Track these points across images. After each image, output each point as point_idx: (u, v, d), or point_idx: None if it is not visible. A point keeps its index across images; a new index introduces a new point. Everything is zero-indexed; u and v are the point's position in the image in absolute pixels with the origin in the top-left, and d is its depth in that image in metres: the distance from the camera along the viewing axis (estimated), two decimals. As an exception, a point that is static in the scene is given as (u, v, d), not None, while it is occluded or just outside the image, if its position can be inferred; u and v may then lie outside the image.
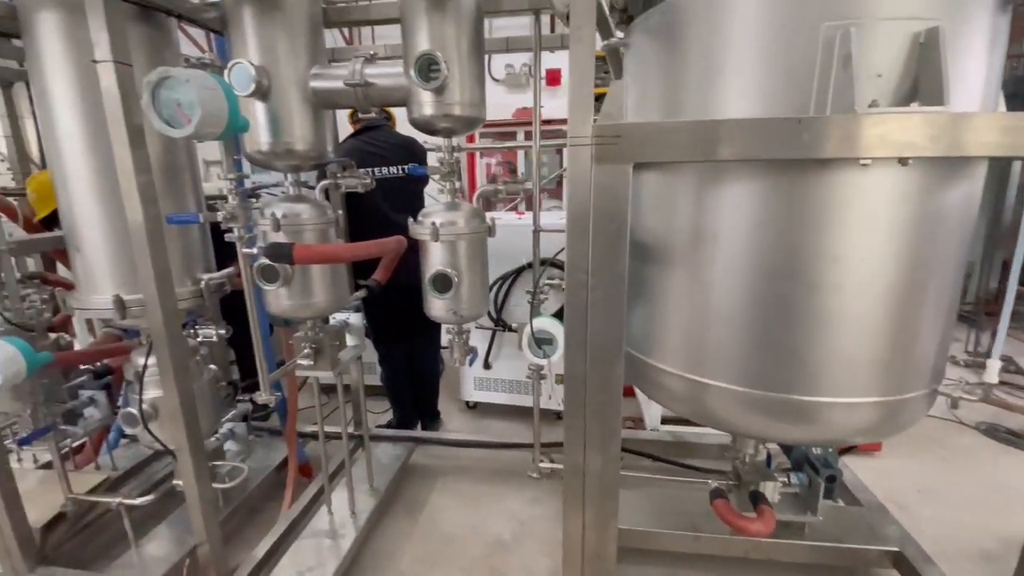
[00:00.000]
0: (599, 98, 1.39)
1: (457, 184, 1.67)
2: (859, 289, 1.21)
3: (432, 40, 1.46)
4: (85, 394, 2.23)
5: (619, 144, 1.14)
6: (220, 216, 1.43)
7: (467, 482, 2.55)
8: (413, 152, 2.61)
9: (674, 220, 1.38)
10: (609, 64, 1.82)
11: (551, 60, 1.75)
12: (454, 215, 1.61)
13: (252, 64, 1.47)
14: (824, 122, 1.06)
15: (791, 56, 1.18)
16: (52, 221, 2.40)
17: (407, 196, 2.52)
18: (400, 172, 2.58)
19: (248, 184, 1.63)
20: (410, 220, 1.68)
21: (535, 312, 1.80)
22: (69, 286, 2.02)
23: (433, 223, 1.55)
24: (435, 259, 1.61)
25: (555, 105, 6.01)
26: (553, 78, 4.85)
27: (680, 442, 2.49)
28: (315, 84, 1.57)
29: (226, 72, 1.43)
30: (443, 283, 1.59)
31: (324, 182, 1.73)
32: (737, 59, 1.24)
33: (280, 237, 1.60)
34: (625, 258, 1.20)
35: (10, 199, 2.55)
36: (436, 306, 1.65)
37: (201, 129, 1.17)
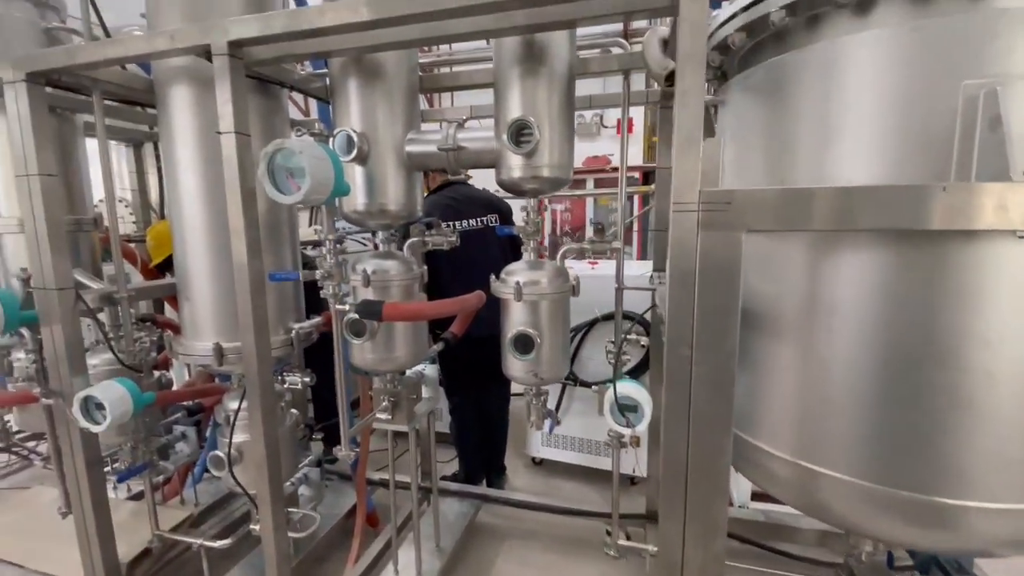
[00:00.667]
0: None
1: (542, 242, 1.65)
2: (1017, 378, 1.04)
3: (524, 104, 1.49)
4: (178, 429, 2.35)
5: (730, 211, 1.07)
6: (318, 275, 1.48)
7: (536, 549, 2.41)
8: (492, 205, 2.68)
9: (784, 286, 1.27)
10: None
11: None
12: (537, 274, 1.58)
13: (354, 131, 1.56)
14: (974, 190, 0.94)
15: (924, 117, 1.08)
16: (165, 267, 2.64)
17: (487, 246, 2.56)
18: (480, 224, 2.63)
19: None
20: (492, 277, 1.68)
21: (617, 374, 1.71)
22: (175, 328, 2.18)
23: (517, 283, 1.53)
24: (516, 319, 1.58)
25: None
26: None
27: (773, 524, 2.23)
28: (410, 148, 1.64)
29: (331, 140, 1.51)
30: (524, 344, 1.55)
31: (412, 240, 1.77)
32: (858, 121, 1.16)
33: (369, 292, 1.64)
34: (736, 335, 1.10)
35: (131, 245, 2.84)
36: (515, 367, 1.61)
37: (309, 196, 1.23)
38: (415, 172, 1.72)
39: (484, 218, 2.67)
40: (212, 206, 1.67)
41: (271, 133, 1.80)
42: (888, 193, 0.99)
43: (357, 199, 1.64)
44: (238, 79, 1.40)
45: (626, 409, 1.65)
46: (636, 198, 5.59)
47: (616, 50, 1.77)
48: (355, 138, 1.54)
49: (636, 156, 6.07)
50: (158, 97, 1.75)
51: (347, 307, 1.51)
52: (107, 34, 2.21)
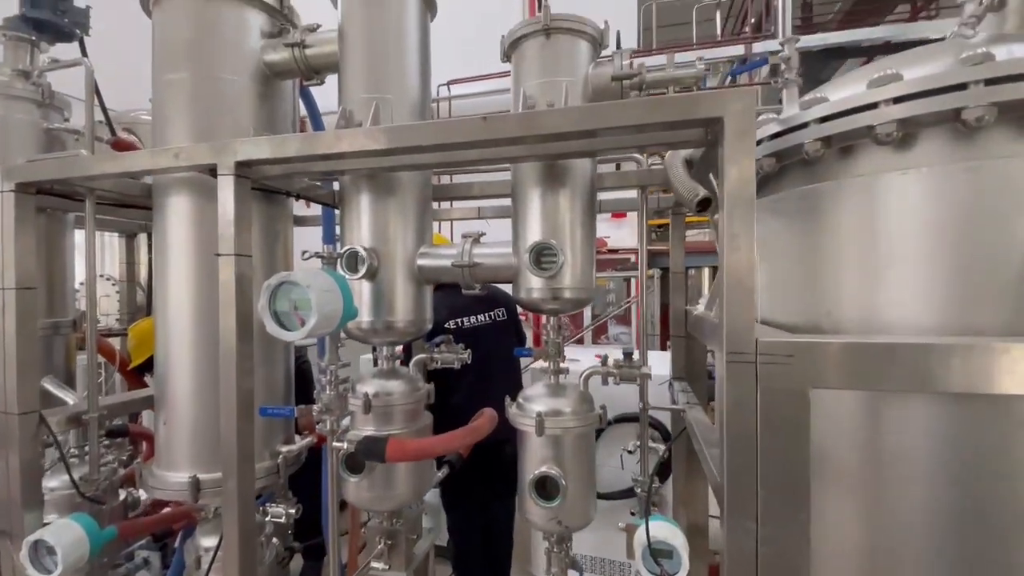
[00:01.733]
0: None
1: (562, 365, 1.52)
2: None
3: (545, 225, 1.41)
4: (141, 555, 2.06)
5: (793, 364, 0.94)
6: (315, 409, 1.32)
7: None
8: (498, 299, 2.57)
9: (841, 429, 1.12)
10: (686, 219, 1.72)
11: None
12: (560, 402, 1.43)
13: (363, 248, 1.46)
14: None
15: (984, 260, 1.00)
16: (145, 368, 2.45)
17: (496, 343, 2.41)
18: (488, 320, 2.51)
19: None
20: (507, 401, 1.52)
21: (647, 510, 1.51)
22: (150, 439, 1.96)
23: (538, 414, 1.37)
24: (537, 455, 1.41)
25: (620, 235, 6.15)
26: (619, 214, 4.95)
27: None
28: (422, 262, 1.54)
29: (339, 263, 1.41)
30: (548, 488, 1.36)
31: (419, 356, 1.63)
32: (910, 259, 1.08)
33: (370, 420, 1.47)
34: (809, 506, 0.94)
35: (111, 340, 2.66)
36: (536, 514, 1.41)
37: (315, 332, 1.10)
38: (425, 285, 1.60)
39: (490, 313, 2.55)
40: (203, 324, 1.53)
41: (272, 240, 1.71)
42: (974, 352, 0.88)
43: (362, 316, 1.51)
44: (243, 198, 1.31)
45: (660, 555, 1.44)
46: (634, 281, 5.55)
47: (631, 165, 1.74)
48: (364, 255, 1.44)
49: (630, 238, 6.11)
50: (155, 203, 1.66)
51: (345, 445, 1.33)
52: (111, 131, 2.18)
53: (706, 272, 6.82)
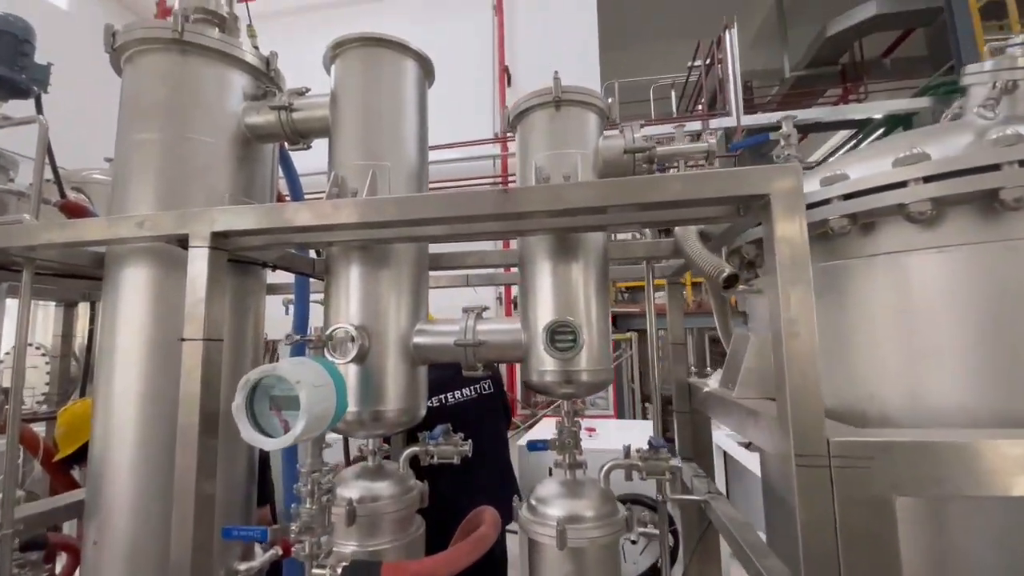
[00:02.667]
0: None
1: (579, 457, 1.35)
2: None
3: (558, 294, 1.29)
4: None
5: (874, 467, 0.83)
6: (293, 528, 1.08)
7: None
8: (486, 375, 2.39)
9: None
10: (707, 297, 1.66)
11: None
12: (581, 504, 1.25)
13: (353, 326, 1.29)
14: None
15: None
16: (75, 459, 2.09)
17: (480, 422, 2.20)
18: (473, 393, 2.31)
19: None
20: (515, 502, 1.32)
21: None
22: (75, 552, 1.61)
23: (558, 521, 1.18)
24: (557, 572, 1.20)
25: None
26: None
27: None
28: (419, 340, 1.38)
29: (327, 349, 1.22)
30: (576, 615, 1.15)
31: (411, 449, 1.42)
32: (953, 338, 1.03)
33: (353, 534, 1.23)
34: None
35: (36, 429, 2.28)
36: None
37: (302, 438, 0.90)
38: (420, 367, 1.43)
39: (475, 386, 2.36)
40: (155, 417, 1.28)
41: (242, 317, 1.50)
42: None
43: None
44: (218, 273, 1.13)
45: None
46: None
47: (633, 235, 1.69)
48: (355, 334, 1.27)
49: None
50: (107, 273, 1.45)
51: (327, 571, 1.09)
52: (61, 193, 1.98)
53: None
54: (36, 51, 2.16)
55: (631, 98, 8.15)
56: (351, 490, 1.30)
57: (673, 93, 7.81)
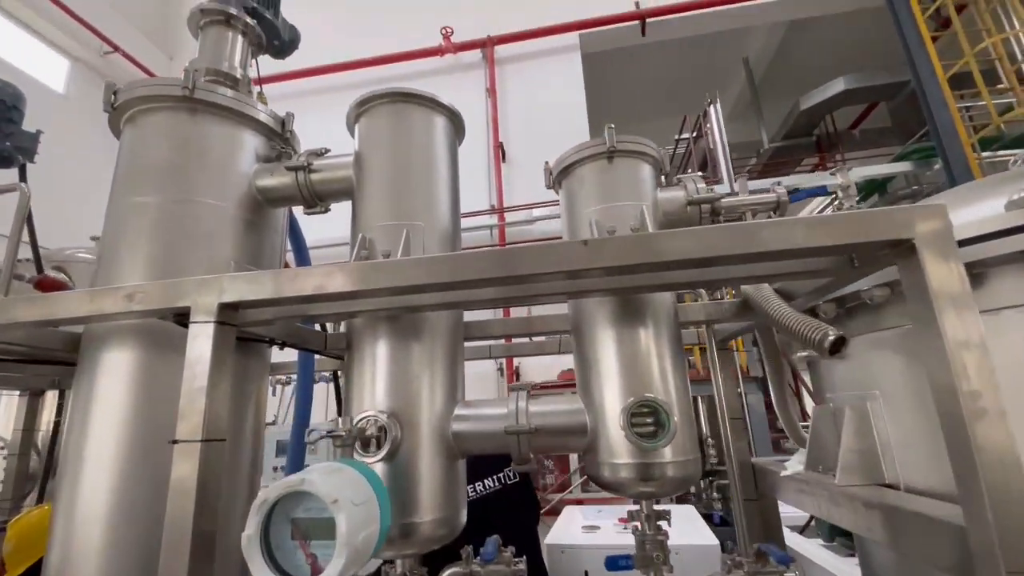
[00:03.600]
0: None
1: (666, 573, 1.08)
2: None
3: (627, 364, 1.09)
4: None
5: None
6: None
7: None
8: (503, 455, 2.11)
9: None
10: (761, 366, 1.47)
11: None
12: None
13: (382, 414, 1.06)
14: None
15: None
16: (26, 580, 1.71)
17: (506, 515, 1.89)
18: (496, 484, 2.01)
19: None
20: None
21: None
22: None
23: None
24: None
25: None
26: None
27: None
28: (460, 428, 1.14)
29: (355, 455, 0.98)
30: None
31: (453, 570, 1.14)
32: None
33: None
34: None
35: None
36: None
37: (338, 580, 0.65)
38: (460, 460, 1.18)
39: (499, 475, 2.07)
40: (131, 536, 1.01)
41: (242, 406, 1.26)
42: None
43: (374, 514, 1.04)
44: (222, 354, 0.92)
45: None
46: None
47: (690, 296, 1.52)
48: (387, 424, 1.03)
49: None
50: (82, 356, 1.22)
51: None
52: (39, 268, 1.78)
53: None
54: (25, 119, 2.04)
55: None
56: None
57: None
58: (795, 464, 1.47)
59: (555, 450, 1.18)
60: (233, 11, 1.61)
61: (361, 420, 1.03)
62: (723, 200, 1.21)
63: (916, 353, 1.13)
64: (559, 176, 1.32)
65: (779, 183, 1.30)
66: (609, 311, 1.14)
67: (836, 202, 1.42)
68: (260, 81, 1.85)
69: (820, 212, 9.20)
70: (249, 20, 1.65)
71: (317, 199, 1.43)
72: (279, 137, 1.52)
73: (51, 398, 2.39)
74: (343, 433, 0.91)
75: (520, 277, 0.87)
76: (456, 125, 1.46)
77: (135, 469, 1.07)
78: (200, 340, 0.89)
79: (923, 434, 1.12)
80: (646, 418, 1.02)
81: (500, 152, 6.67)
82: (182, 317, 0.96)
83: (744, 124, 10.16)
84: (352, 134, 1.46)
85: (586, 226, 1.22)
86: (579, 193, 1.26)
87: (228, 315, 0.93)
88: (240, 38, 1.64)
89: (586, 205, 1.24)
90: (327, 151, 1.46)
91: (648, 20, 7.09)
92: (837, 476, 1.21)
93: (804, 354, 1.46)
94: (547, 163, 1.36)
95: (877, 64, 8.19)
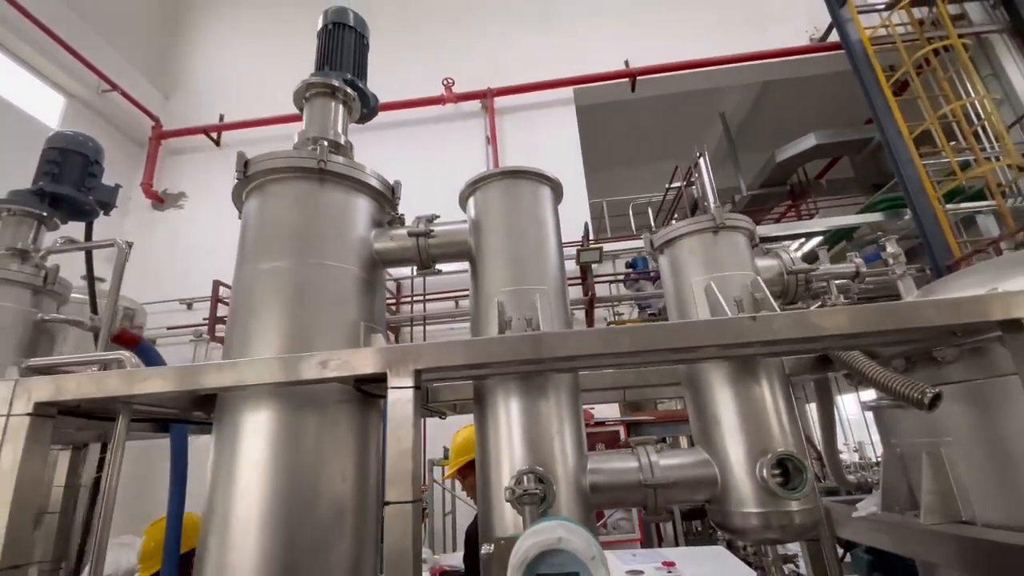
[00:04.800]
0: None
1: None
2: None
3: (748, 418, 1.21)
4: None
5: None
6: None
7: None
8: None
9: None
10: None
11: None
12: None
13: (537, 469, 1.14)
14: None
15: None
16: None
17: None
18: None
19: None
20: None
21: None
22: None
23: None
24: None
25: (603, 408, 6.00)
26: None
27: None
28: (596, 480, 1.23)
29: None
30: None
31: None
32: None
33: None
34: None
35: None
36: None
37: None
38: (594, 512, 1.26)
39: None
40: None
41: (367, 458, 1.31)
42: None
43: None
44: (416, 417, 0.99)
45: None
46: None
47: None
48: (547, 479, 1.11)
49: (611, 409, 6.00)
50: (220, 415, 1.27)
51: None
52: (94, 308, 1.82)
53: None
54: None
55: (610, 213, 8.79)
56: None
57: (649, 210, 8.52)
58: (868, 506, 1.60)
59: (683, 501, 1.27)
60: (336, 83, 1.74)
61: (523, 476, 1.11)
62: (815, 272, 1.38)
63: (986, 405, 1.30)
64: (663, 246, 1.47)
65: (855, 255, 1.47)
66: (728, 370, 1.27)
67: (888, 267, 1.61)
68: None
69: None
70: (350, 91, 1.78)
71: (431, 261, 1.54)
72: (389, 202, 1.63)
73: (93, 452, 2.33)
74: (537, 490, 1.00)
75: (687, 349, 1.00)
76: (557, 193, 1.60)
77: (280, 525, 1.11)
78: (400, 404, 0.97)
79: (993, 476, 1.28)
80: (775, 469, 1.14)
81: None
82: (360, 383, 1.04)
83: (722, 171, 10.84)
84: (464, 208, 1.58)
85: (691, 291, 1.37)
86: (686, 263, 1.41)
87: (418, 380, 1.01)
88: (341, 107, 1.77)
89: (693, 274, 1.39)
90: (437, 217, 1.58)
91: (638, 78, 7.62)
92: (922, 516, 1.35)
93: (875, 403, 1.62)
94: (648, 234, 1.51)
95: (844, 121, 8.98)
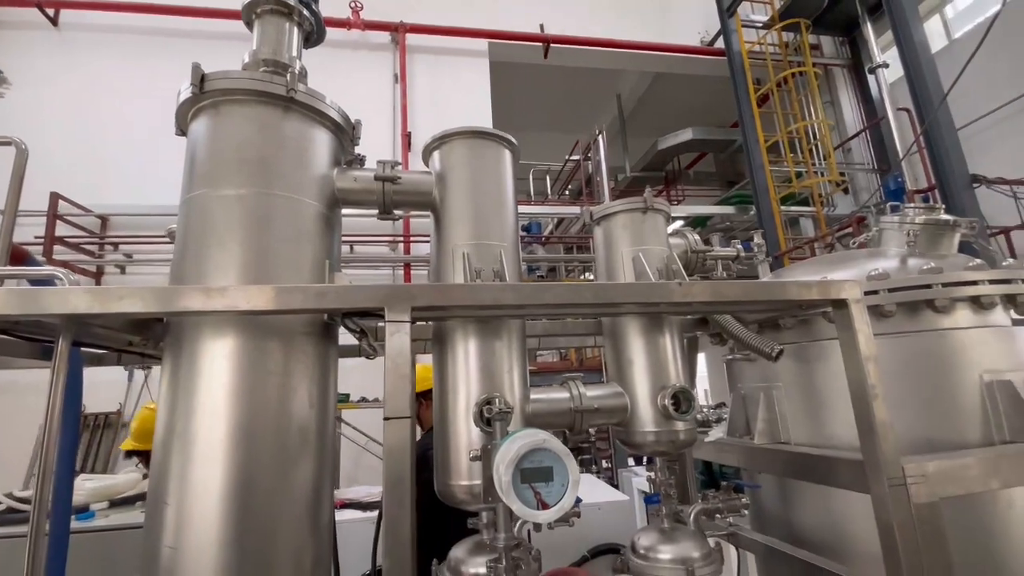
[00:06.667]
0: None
1: (677, 508, 1.57)
2: None
3: (655, 362, 1.55)
4: None
5: (926, 481, 1.26)
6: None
7: None
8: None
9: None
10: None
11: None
12: (688, 547, 1.46)
13: (497, 395, 1.35)
14: None
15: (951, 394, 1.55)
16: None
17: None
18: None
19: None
20: (629, 553, 1.48)
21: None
22: None
23: (685, 562, 1.38)
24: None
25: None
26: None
27: None
28: (536, 408, 1.48)
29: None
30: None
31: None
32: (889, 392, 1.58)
33: None
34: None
35: None
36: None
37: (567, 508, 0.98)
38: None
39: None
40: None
41: (325, 389, 1.40)
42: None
43: (474, 479, 1.32)
44: (411, 347, 1.12)
45: None
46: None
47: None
48: (506, 404, 1.32)
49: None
50: (176, 342, 1.26)
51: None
52: None
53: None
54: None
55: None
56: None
57: (547, 178, 8.94)
58: (717, 433, 2.12)
59: (601, 424, 1.57)
60: (292, 2, 1.65)
61: (492, 400, 1.31)
62: (710, 252, 1.75)
63: (807, 361, 1.81)
64: (599, 220, 1.73)
65: (738, 243, 1.88)
66: (641, 323, 1.59)
67: (753, 255, 2.08)
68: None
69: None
70: (305, 12, 1.70)
71: (392, 207, 1.60)
72: (349, 139, 1.63)
73: None
74: (509, 409, 1.21)
75: (616, 304, 1.26)
76: (516, 158, 1.75)
77: (249, 444, 1.18)
78: (398, 336, 1.09)
79: (805, 411, 1.80)
80: (688, 403, 1.50)
81: (407, 141, 6.72)
82: (347, 316, 1.13)
83: (612, 149, 11.69)
84: (426, 162, 1.66)
85: (620, 260, 1.66)
86: (615, 235, 1.69)
87: (415, 315, 1.14)
88: (296, 30, 1.69)
89: (621, 246, 1.67)
90: (399, 164, 1.64)
91: (551, 45, 7.80)
92: (755, 438, 1.85)
93: (730, 357, 2.11)
94: (588, 208, 1.75)
95: (717, 121, 10.23)
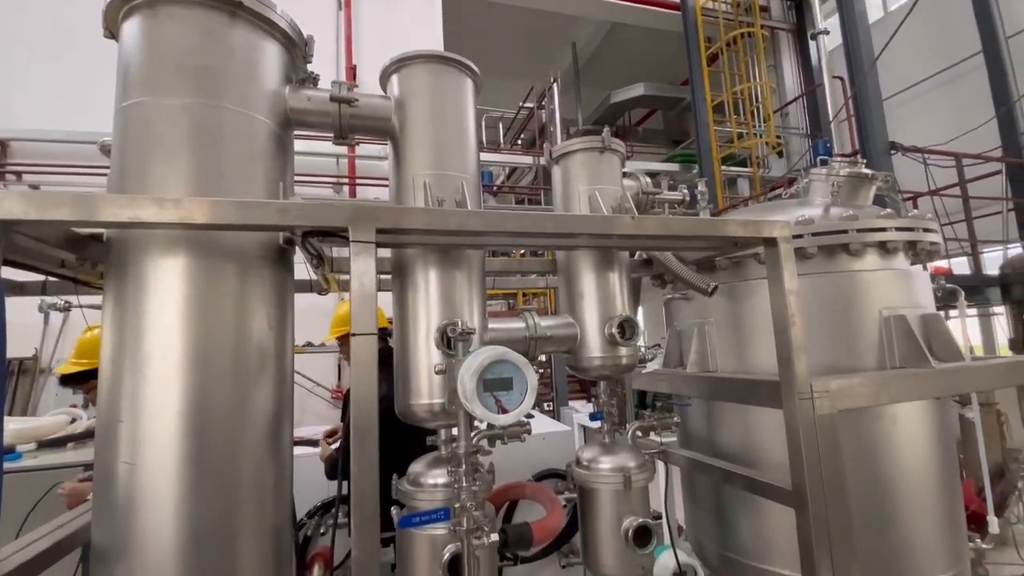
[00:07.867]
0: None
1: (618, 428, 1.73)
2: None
3: (604, 295, 1.66)
4: None
5: (828, 396, 1.46)
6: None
7: None
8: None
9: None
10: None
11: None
12: (625, 457, 1.63)
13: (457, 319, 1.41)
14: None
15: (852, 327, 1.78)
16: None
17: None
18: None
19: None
20: (576, 461, 1.64)
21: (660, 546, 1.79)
22: None
23: (623, 469, 1.55)
24: (621, 509, 1.56)
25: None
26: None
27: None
28: (494, 336, 1.55)
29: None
30: (646, 536, 1.52)
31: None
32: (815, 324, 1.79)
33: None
34: (845, 487, 1.45)
35: None
36: (627, 561, 1.53)
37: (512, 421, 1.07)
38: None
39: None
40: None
41: (284, 315, 1.40)
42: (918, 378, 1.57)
43: (435, 398, 1.39)
44: (374, 267, 1.14)
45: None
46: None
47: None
48: (469, 328, 1.38)
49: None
50: (115, 262, 1.20)
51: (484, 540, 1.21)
52: None
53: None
54: None
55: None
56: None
57: (500, 125, 8.76)
58: (653, 365, 2.31)
59: (553, 351, 1.67)
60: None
61: (446, 325, 1.36)
62: (659, 195, 1.85)
63: (737, 299, 1.99)
64: (558, 158, 1.77)
65: (684, 188, 1.99)
66: (593, 260, 1.68)
67: (698, 203, 2.20)
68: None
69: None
70: (248, -88, 1.55)
71: (348, 131, 1.55)
72: (301, 56, 1.54)
73: None
74: (471, 331, 1.26)
75: (574, 235, 1.33)
76: (478, 89, 1.72)
77: (207, 364, 1.17)
78: (363, 257, 1.10)
79: (731, 343, 2.00)
80: (632, 331, 1.62)
81: (353, 76, 6.30)
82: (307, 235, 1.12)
83: (565, 99, 11.57)
84: (383, 84, 1.60)
85: (577, 197, 1.72)
86: (573, 173, 1.74)
87: (379, 239, 1.15)
88: (238, -69, 1.54)
89: (578, 184, 1.72)
90: (356, 85, 1.58)
91: (507, -20, 7.44)
92: (688, 368, 2.04)
93: (670, 296, 2.27)
94: (547, 145, 1.78)
95: (669, 78, 10.31)
